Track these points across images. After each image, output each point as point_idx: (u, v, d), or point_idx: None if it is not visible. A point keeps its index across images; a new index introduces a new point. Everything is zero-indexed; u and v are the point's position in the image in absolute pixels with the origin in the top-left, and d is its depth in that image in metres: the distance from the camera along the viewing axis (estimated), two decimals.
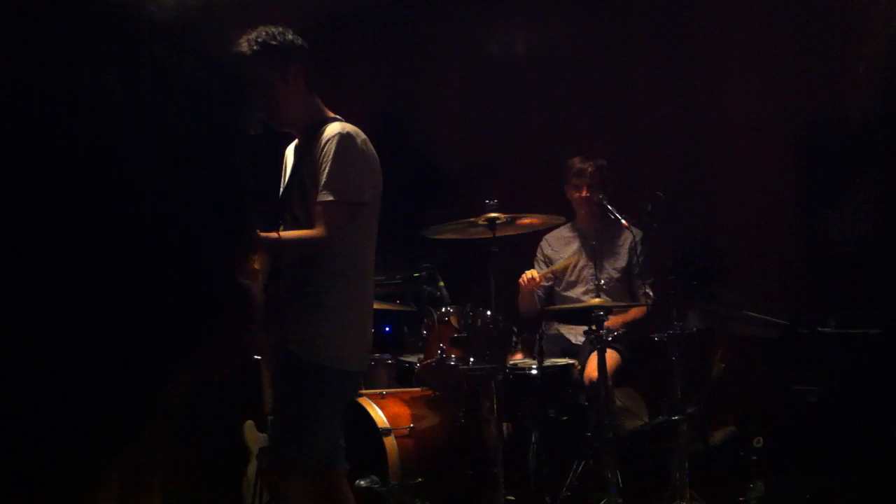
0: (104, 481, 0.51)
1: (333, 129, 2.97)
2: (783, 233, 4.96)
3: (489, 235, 3.91)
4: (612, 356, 4.34)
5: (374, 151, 3.06)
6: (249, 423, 4.51)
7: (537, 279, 4.64)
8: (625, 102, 5.65)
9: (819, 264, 4.56)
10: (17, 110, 0.46)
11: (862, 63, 3.87)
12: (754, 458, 4.13)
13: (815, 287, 4.55)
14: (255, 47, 2.96)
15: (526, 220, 4.11)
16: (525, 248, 4.99)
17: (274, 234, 2.91)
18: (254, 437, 4.50)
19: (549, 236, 5.00)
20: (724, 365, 4.00)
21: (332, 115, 3.10)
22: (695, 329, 3.96)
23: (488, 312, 3.92)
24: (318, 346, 2.92)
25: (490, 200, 3.93)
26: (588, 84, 5.78)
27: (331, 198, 2.90)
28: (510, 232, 4.13)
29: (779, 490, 4.00)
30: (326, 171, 2.91)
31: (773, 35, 5.19)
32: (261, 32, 2.99)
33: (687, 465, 3.85)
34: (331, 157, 2.91)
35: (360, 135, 3.01)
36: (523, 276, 4.66)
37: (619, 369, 4.48)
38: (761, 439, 4.17)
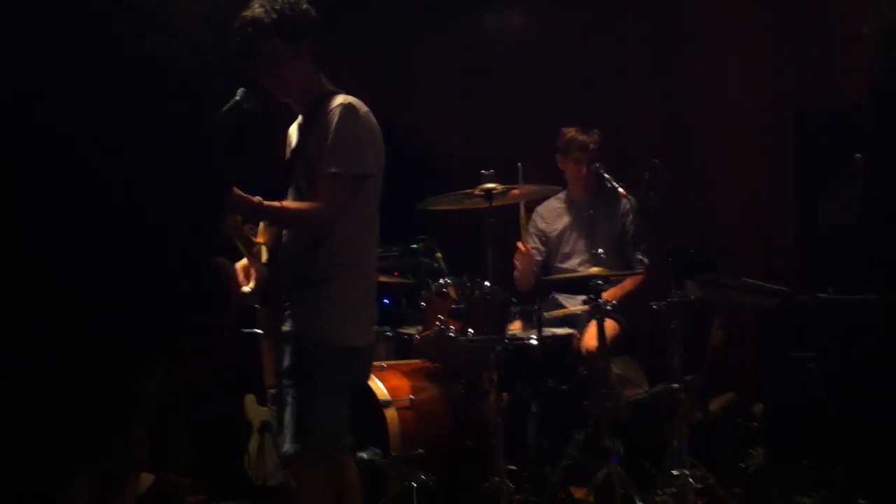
0: (78, 472, 0.50)
1: (337, 100, 2.94)
2: (777, 219, 4.96)
3: (486, 206, 3.90)
4: (610, 326, 4.33)
5: (377, 124, 3.03)
6: (250, 397, 4.53)
7: (524, 249, 4.61)
8: (616, 88, 5.62)
9: (813, 249, 4.55)
10: None
11: (862, 47, 3.84)
12: (754, 425, 4.14)
13: (808, 270, 4.54)
14: (273, 15, 2.91)
15: (522, 191, 4.10)
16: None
17: (276, 203, 2.88)
18: (255, 410, 4.52)
19: (541, 209, 4.96)
20: (723, 333, 4.00)
21: (334, 88, 3.07)
22: (693, 298, 3.95)
23: (486, 283, 3.91)
24: (319, 324, 2.89)
25: (486, 171, 3.92)
26: (580, 71, 5.74)
27: (334, 170, 2.87)
28: (507, 202, 4.11)
29: (778, 457, 4.01)
30: (329, 142, 2.87)
31: (766, 20, 5.16)
32: (275, 1, 2.94)
33: (687, 433, 3.86)
34: (334, 128, 2.87)
35: (362, 107, 2.98)
36: (517, 254, 4.63)
37: (618, 339, 4.48)
38: (761, 407, 4.18)
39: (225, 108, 2.85)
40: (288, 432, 2.92)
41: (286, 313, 2.94)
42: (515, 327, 4.34)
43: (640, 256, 4.66)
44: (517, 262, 4.62)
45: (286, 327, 2.93)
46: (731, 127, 5.20)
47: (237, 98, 2.88)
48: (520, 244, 4.61)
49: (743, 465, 4.04)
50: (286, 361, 2.93)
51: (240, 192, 2.79)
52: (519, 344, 4.08)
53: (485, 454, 3.96)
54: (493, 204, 3.91)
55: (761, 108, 5.11)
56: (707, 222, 5.11)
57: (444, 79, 6.22)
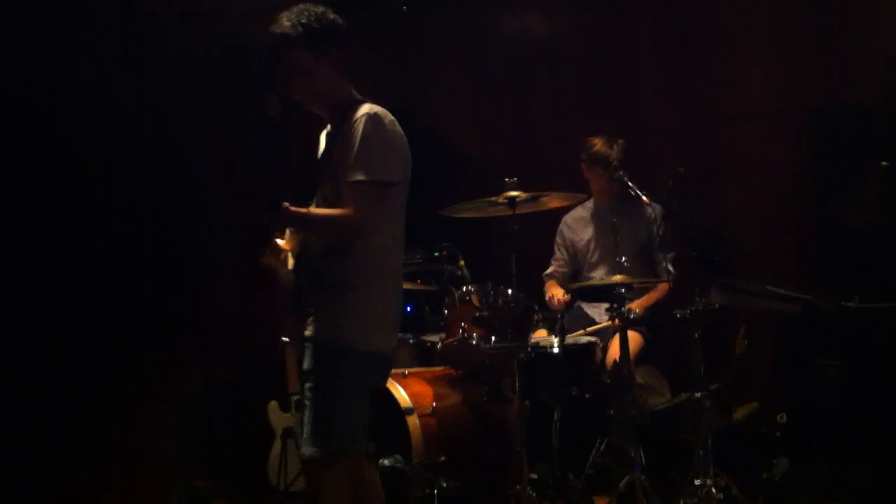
0: (103, 477, 0.50)
1: (362, 109, 2.96)
2: (797, 222, 4.94)
3: (509, 213, 3.90)
4: (634, 338, 4.32)
5: (402, 133, 3.05)
6: (273, 403, 4.55)
7: (562, 299, 4.68)
8: (636, 89, 5.62)
9: (833, 251, 4.53)
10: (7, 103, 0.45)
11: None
12: (778, 434, 4.12)
13: (832, 271, 4.52)
14: (298, 29, 2.95)
15: (546, 199, 4.10)
16: (546, 226, 4.98)
17: (303, 209, 2.90)
18: (278, 417, 4.54)
19: (568, 218, 4.97)
20: (747, 341, 3.98)
21: (359, 97, 3.09)
22: (717, 306, 3.94)
23: (509, 291, 3.91)
24: (340, 328, 2.91)
25: (510, 179, 3.92)
26: (599, 71, 5.74)
27: (360, 177, 2.88)
28: (530, 210, 4.12)
29: (803, 466, 3.99)
30: (355, 151, 2.89)
31: (781, 20, 5.15)
32: (303, 12, 2.97)
33: (710, 442, 3.84)
34: (359, 137, 2.89)
35: (388, 115, 3.00)
36: (552, 300, 4.69)
37: (642, 350, 4.47)
38: (784, 416, 4.16)
39: (251, 115, 2.88)
40: (306, 435, 2.93)
41: (309, 318, 2.96)
42: (539, 335, 4.34)
43: (666, 266, 4.64)
44: (548, 300, 4.69)
45: (308, 331, 2.94)
46: (749, 128, 5.18)
47: (264, 106, 2.90)
48: (557, 294, 4.67)
49: (767, 475, 4.02)
50: (307, 364, 2.95)
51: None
52: (541, 351, 4.08)
53: (507, 461, 3.96)
54: (517, 211, 3.91)
55: (780, 109, 5.08)
56: (726, 225, 5.09)
57: (462, 83, 6.24)
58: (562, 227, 4.98)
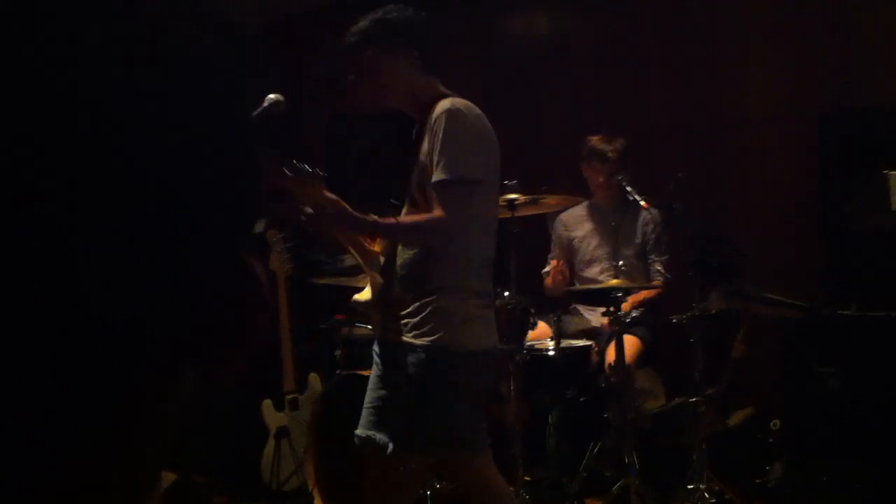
0: (105, 476, 0.50)
1: (442, 106, 2.86)
2: (802, 224, 4.94)
3: (508, 216, 3.90)
4: (632, 342, 4.32)
5: (490, 128, 2.95)
6: (267, 402, 4.54)
7: (558, 265, 4.68)
8: (640, 92, 5.62)
9: (838, 254, 4.54)
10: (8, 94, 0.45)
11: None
12: (772, 440, 4.13)
13: (835, 276, 4.53)
14: (368, 24, 2.94)
15: (546, 202, 4.10)
16: (545, 228, 4.99)
17: (392, 220, 2.81)
18: (272, 416, 4.53)
19: (564, 216, 4.98)
20: (744, 347, 3.98)
21: (445, 91, 3.02)
22: (715, 311, 3.94)
23: (507, 293, 3.91)
24: (446, 332, 2.80)
25: (509, 181, 3.92)
26: (603, 73, 5.75)
27: (444, 177, 2.77)
28: (529, 212, 4.12)
29: (797, 472, 3.99)
30: (437, 150, 2.79)
31: (785, 24, 5.16)
32: (378, 11, 2.94)
33: (705, 446, 3.85)
34: (440, 135, 2.79)
35: (472, 110, 2.90)
36: (550, 272, 4.69)
37: (640, 355, 4.48)
38: (778, 422, 4.16)
39: (254, 112, 2.86)
40: (426, 439, 2.83)
41: (403, 322, 2.84)
42: (535, 336, 4.34)
43: (659, 268, 4.67)
44: (549, 279, 4.68)
45: (411, 337, 2.81)
46: (753, 133, 5.19)
47: (266, 104, 2.88)
48: (553, 262, 4.67)
49: (761, 481, 4.02)
50: (413, 371, 2.81)
51: (353, 212, 2.75)
52: (538, 353, 4.08)
53: (502, 463, 3.94)
54: (517, 214, 3.91)
55: (784, 114, 5.09)
56: (730, 227, 5.10)
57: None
58: (557, 224, 4.98)
